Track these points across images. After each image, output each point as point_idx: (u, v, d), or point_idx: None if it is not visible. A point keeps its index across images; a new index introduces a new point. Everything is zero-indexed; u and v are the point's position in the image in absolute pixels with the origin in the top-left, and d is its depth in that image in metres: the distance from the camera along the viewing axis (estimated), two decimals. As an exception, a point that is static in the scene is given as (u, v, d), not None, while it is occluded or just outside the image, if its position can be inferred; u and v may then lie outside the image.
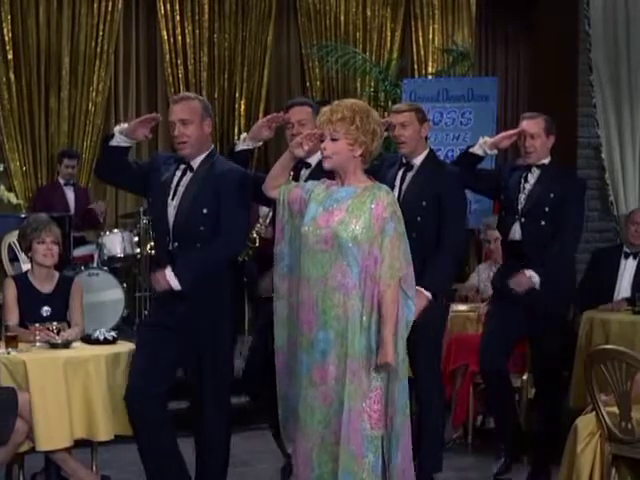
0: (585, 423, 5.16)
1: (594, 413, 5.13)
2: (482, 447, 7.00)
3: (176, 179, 5.32)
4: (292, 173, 5.18)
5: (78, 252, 9.50)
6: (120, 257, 9.66)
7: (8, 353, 5.42)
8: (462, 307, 7.53)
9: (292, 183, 4.88)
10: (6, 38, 10.39)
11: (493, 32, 12.81)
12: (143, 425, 5.21)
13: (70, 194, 10.04)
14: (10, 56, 10.44)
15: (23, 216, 9.42)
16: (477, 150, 5.94)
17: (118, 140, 5.26)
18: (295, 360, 4.73)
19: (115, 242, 9.64)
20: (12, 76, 10.48)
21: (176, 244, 5.26)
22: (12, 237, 8.97)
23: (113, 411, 5.45)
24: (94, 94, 10.89)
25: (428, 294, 5.47)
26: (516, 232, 6.13)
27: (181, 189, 5.30)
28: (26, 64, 10.55)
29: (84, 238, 9.90)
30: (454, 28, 12.54)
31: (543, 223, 6.06)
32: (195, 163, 5.32)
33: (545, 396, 6.31)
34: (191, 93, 5.69)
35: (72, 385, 5.38)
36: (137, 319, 9.74)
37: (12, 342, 5.50)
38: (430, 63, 12.47)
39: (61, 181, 10.06)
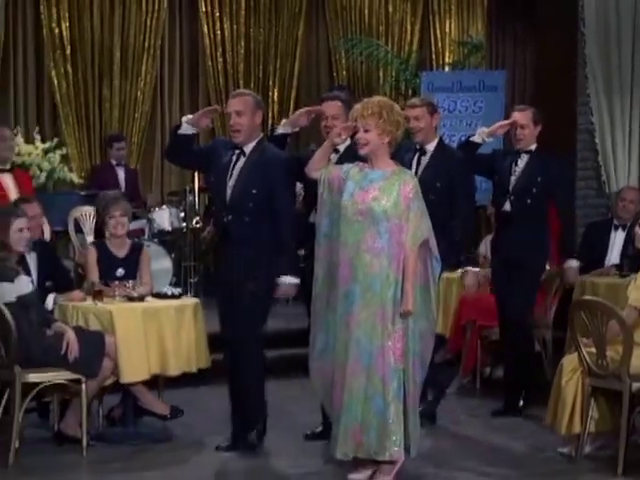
0: (569, 361, 6.09)
1: (576, 353, 6.03)
2: (488, 392, 7.88)
3: (232, 163, 6.23)
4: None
5: (131, 226, 10.34)
6: (168, 231, 10.37)
7: (96, 304, 6.50)
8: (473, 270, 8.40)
9: (331, 165, 5.81)
10: (64, 35, 11.31)
11: (503, 29, 13.46)
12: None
13: (121, 174, 10.84)
14: (68, 51, 11.35)
15: (83, 194, 10.43)
16: (476, 139, 6.96)
17: (185, 128, 6.16)
18: (331, 310, 5.63)
19: (163, 217, 10.37)
20: (70, 69, 11.37)
21: (230, 217, 6.18)
22: (77, 212, 9.99)
23: (180, 352, 6.47)
24: (142, 84, 11.74)
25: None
26: (507, 206, 7.12)
27: (236, 172, 6.19)
28: (82, 58, 11.42)
29: (135, 214, 10.73)
30: (469, 23, 13.24)
31: (529, 201, 7.04)
32: (247, 149, 6.19)
33: (515, 340, 7.19)
34: (246, 90, 6.60)
35: (148, 330, 6.40)
36: (183, 286, 10.62)
37: (98, 296, 6.56)
38: (447, 54, 13.15)
39: (113, 162, 10.84)
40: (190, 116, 6.27)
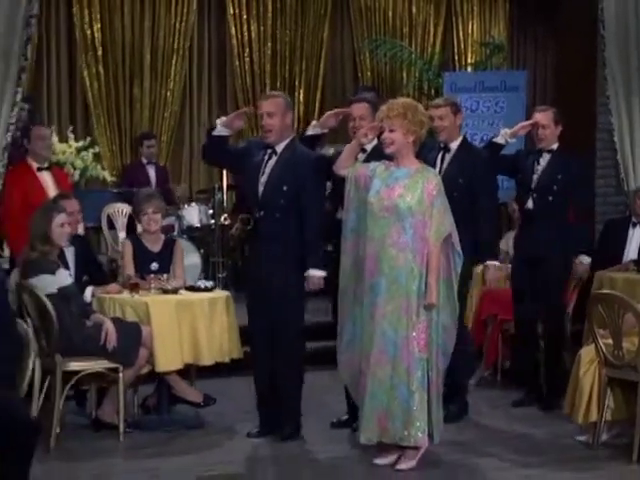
0: (587, 352, 6.29)
1: (594, 345, 6.22)
2: (508, 384, 8.08)
3: (264, 161, 6.45)
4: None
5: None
6: (197, 227, 10.58)
7: (132, 296, 6.77)
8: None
9: (358, 163, 6.06)
10: (96, 36, 11.60)
11: (524, 31, 13.60)
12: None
13: (152, 172, 11.05)
14: (100, 52, 11.64)
15: (115, 191, 10.72)
16: (499, 140, 7.16)
17: (220, 130, 6.39)
18: (358, 302, 5.87)
19: (193, 214, 10.58)
20: (101, 70, 11.66)
21: (262, 213, 6.40)
22: (109, 209, 10.28)
23: (213, 342, 6.71)
24: (172, 84, 12.00)
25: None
26: (530, 203, 7.33)
27: (268, 169, 6.41)
28: (113, 59, 11.70)
29: (165, 210, 10.98)
30: (491, 24, 13.38)
31: (551, 199, 7.24)
32: (279, 148, 6.41)
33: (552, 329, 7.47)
34: (277, 91, 6.79)
35: (182, 322, 6.64)
36: (212, 281, 10.80)
37: (135, 288, 6.81)
38: (469, 55, 13.30)
39: (144, 160, 11.05)
40: (224, 118, 6.49)
